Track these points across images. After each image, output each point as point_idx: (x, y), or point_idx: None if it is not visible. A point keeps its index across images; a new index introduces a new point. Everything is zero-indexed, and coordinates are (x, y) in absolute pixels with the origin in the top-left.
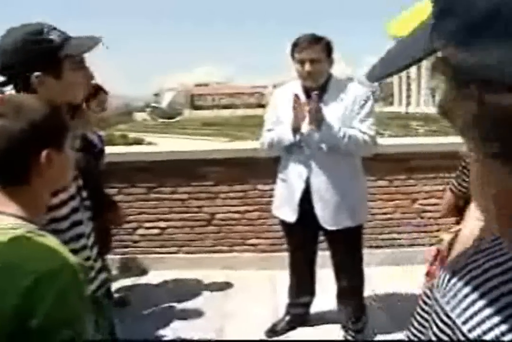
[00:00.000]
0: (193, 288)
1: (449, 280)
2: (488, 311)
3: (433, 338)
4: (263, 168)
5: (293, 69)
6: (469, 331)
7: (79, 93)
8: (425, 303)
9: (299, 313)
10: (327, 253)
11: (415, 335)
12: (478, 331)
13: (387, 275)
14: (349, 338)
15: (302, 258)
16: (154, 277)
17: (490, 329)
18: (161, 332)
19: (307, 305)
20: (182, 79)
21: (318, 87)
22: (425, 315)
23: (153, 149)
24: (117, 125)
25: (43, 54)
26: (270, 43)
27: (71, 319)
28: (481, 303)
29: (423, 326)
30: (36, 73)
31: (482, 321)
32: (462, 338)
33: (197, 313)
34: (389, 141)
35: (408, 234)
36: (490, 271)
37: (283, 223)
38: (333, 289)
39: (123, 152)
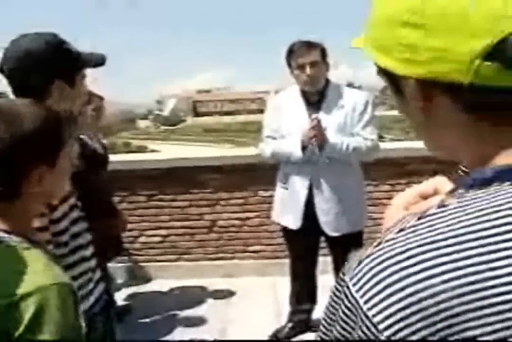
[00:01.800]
0: (195, 296)
1: (357, 265)
2: (388, 290)
3: (340, 323)
4: (263, 174)
5: (289, 76)
6: (369, 309)
7: (81, 102)
8: (336, 289)
9: (301, 320)
10: (329, 259)
11: (326, 328)
12: (376, 309)
13: None
14: None
15: (303, 264)
16: (156, 285)
17: (388, 306)
18: (162, 339)
19: (309, 311)
20: (184, 86)
21: (317, 92)
22: (335, 298)
23: (153, 157)
24: (119, 132)
25: (65, 63)
26: (270, 49)
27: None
28: (383, 283)
29: (335, 309)
30: (57, 81)
31: (381, 300)
32: (363, 317)
33: (199, 320)
34: (390, 146)
35: None
36: (399, 255)
37: (285, 230)
38: None
39: (123, 160)
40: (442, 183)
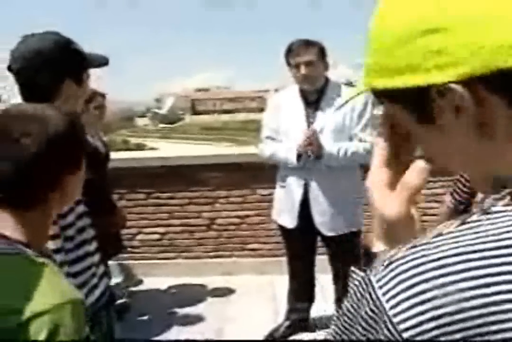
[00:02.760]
0: (193, 294)
1: (388, 264)
2: (417, 298)
3: (362, 323)
4: (262, 173)
5: (288, 75)
6: (394, 315)
7: (83, 100)
8: (359, 293)
9: (299, 319)
10: (326, 258)
11: (343, 327)
12: (402, 316)
13: None
14: None
15: (301, 263)
16: (154, 283)
17: (413, 316)
18: (160, 337)
19: (307, 310)
20: (183, 84)
21: (316, 91)
22: (355, 298)
23: (152, 155)
24: (118, 130)
25: (74, 63)
26: (270, 49)
27: None
28: (413, 290)
29: (354, 308)
30: (67, 80)
31: (408, 308)
32: (388, 323)
33: (197, 319)
34: None
35: None
36: (428, 263)
37: (282, 229)
38: (332, 294)
39: (123, 158)
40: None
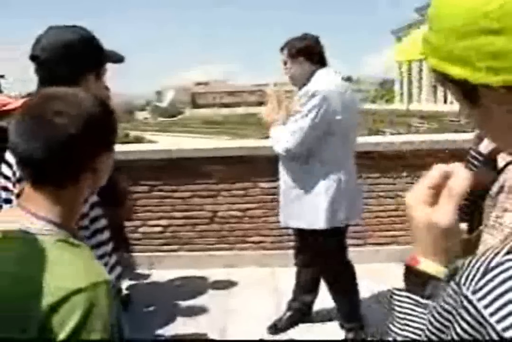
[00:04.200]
0: (196, 286)
1: (482, 277)
2: None
3: (456, 337)
4: (264, 166)
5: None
6: (504, 330)
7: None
8: (446, 302)
9: (301, 310)
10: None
11: (434, 334)
12: None
13: (392, 272)
14: (350, 336)
15: (305, 257)
16: (156, 275)
17: None
18: (163, 329)
19: (310, 302)
20: (184, 77)
21: (301, 87)
22: (445, 314)
23: (156, 148)
24: (119, 123)
25: (96, 57)
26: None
27: (98, 338)
28: None
29: (444, 325)
30: (89, 72)
31: None
32: (495, 337)
33: (200, 310)
34: (390, 139)
35: (407, 231)
36: None
37: None
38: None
39: (126, 150)
40: (455, 168)
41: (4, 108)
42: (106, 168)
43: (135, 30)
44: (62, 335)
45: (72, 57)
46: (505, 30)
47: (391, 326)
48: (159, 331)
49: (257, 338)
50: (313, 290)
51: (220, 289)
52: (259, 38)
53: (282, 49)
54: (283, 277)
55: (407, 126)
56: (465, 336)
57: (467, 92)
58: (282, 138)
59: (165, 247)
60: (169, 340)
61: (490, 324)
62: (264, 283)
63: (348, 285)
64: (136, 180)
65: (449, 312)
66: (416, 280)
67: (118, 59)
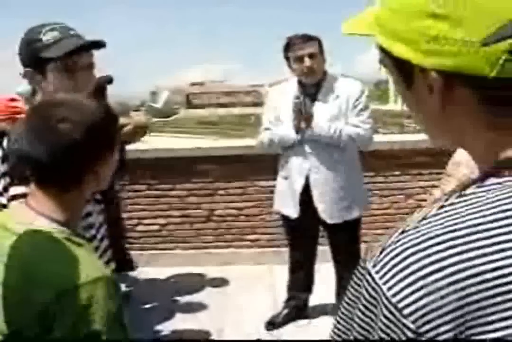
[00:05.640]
0: (193, 284)
1: (382, 250)
2: (412, 277)
3: (362, 309)
4: (261, 165)
5: (285, 69)
6: (393, 295)
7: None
8: (356, 283)
9: (298, 306)
10: (327, 248)
11: (350, 305)
12: (400, 295)
13: None
14: None
15: (302, 253)
16: (153, 273)
17: (411, 293)
18: (162, 326)
19: (306, 299)
20: (179, 78)
21: (314, 84)
22: (356, 287)
23: (153, 147)
24: None
25: (29, 53)
26: (268, 44)
27: (97, 333)
28: (408, 270)
29: (356, 297)
30: (26, 69)
31: (406, 286)
32: (386, 303)
33: (198, 307)
34: (384, 138)
35: None
36: (418, 245)
37: (285, 219)
38: (332, 283)
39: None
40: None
41: (18, 116)
42: (108, 170)
43: (134, 29)
44: (64, 324)
45: (20, 54)
46: (447, 17)
47: None
48: (158, 327)
49: (254, 335)
50: (309, 287)
51: (218, 286)
52: (259, 37)
53: (305, 41)
54: (279, 274)
55: (399, 127)
56: (368, 305)
57: (405, 73)
58: (349, 131)
59: (163, 245)
60: (170, 340)
61: (383, 291)
62: (261, 280)
63: None
64: (133, 179)
65: (359, 286)
66: None
67: (61, 53)
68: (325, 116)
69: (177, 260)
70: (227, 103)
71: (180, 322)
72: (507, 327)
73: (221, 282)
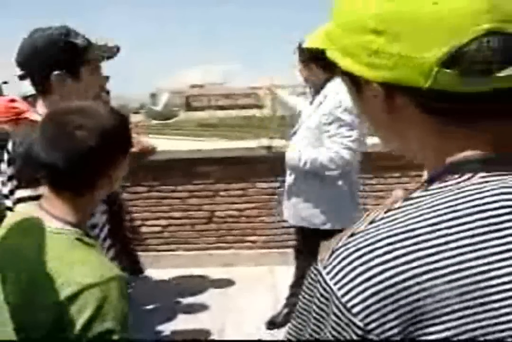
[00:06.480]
0: (195, 285)
1: (332, 253)
2: (359, 279)
3: (316, 309)
4: (261, 166)
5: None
6: (343, 295)
7: (91, 96)
8: (310, 283)
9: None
10: None
11: (300, 314)
12: (350, 294)
13: None
14: None
15: (303, 255)
16: (156, 274)
17: (358, 293)
18: (164, 326)
19: None
20: (178, 79)
21: (317, 90)
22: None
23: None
24: None
25: (66, 57)
26: (268, 46)
27: (110, 332)
28: (357, 270)
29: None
30: (56, 72)
31: (355, 285)
32: (337, 302)
33: (200, 308)
34: None
35: None
36: (365, 248)
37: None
38: None
39: None
40: None
41: (19, 116)
42: (121, 174)
43: (135, 29)
44: (78, 323)
45: (36, 59)
46: (384, 32)
47: None
48: (160, 328)
49: (255, 335)
50: None
51: (219, 287)
52: (259, 37)
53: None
54: (280, 275)
55: None
56: (321, 304)
57: (354, 83)
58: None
59: (164, 247)
60: (171, 341)
61: (333, 291)
62: (262, 281)
63: None
64: (135, 181)
65: (312, 286)
66: None
67: (104, 56)
68: (308, 123)
69: (179, 261)
70: (227, 106)
71: (182, 322)
72: (453, 327)
73: (222, 283)
